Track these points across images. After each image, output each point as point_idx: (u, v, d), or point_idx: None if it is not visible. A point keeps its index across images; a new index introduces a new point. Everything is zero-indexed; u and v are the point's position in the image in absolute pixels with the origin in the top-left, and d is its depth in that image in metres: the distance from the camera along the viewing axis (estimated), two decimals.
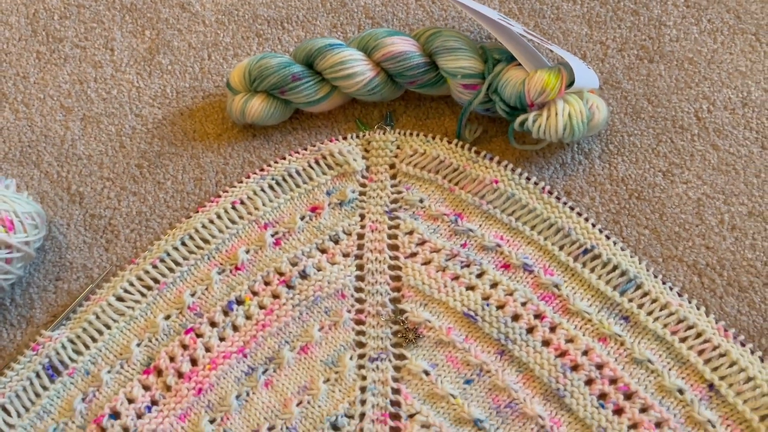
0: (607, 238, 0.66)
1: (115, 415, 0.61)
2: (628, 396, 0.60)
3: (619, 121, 0.73)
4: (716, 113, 0.73)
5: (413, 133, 0.72)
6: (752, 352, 0.61)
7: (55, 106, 0.77)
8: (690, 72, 0.75)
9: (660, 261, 0.67)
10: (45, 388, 0.62)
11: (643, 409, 0.59)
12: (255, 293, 0.66)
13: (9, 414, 0.61)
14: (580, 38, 0.78)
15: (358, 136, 0.73)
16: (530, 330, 0.63)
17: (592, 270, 0.65)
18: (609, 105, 0.73)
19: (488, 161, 0.70)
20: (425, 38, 0.71)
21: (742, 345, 0.61)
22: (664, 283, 0.64)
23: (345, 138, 0.73)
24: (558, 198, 0.68)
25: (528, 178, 0.69)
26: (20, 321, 0.67)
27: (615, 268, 0.65)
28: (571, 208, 0.68)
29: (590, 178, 0.71)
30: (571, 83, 0.67)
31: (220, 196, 0.71)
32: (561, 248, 0.66)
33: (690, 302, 0.63)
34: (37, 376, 0.62)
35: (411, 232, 0.68)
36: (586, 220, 0.67)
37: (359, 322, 0.65)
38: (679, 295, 0.64)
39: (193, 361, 0.63)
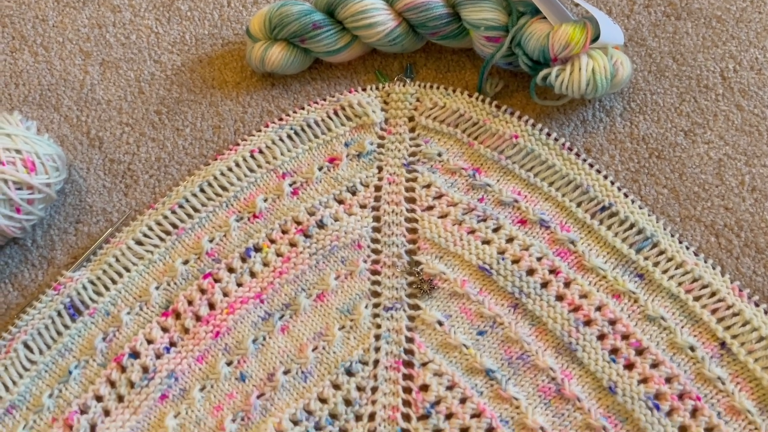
0: (626, 196, 0.66)
1: (135, 354, 0.62)
2: (640, 352, 0.60)
3: (643, 79, 0.72)
4: (742, 73, 0.72)
5: (433, 85, 0.72)
6: (766, 313, 0.61)
7: (74, 50, 0.77)
8: (717, 30, 0.74)
9: (678, 220, 0.66)
10: (66, 327, 0.64)
11: (654, 365, 0.60)
12: (272, 241, 0.66)
13: (31, 351, 0.63)
14: None
15: (377, 88, 0.73)
16: (544, 285, 0.63)
17: (609, 227, 0.65)
18: (633, 62, 0.72)
19: (509, 116, 0.70)
20: None
21: (756, 305, 0.61)
22: (680, 242, 0.64)
23: (364, 89, 0.73)
24: (577, 155, 0.68)
25: (548, 134, 0.69)
26: (41, 262, 0.68)
27: (632, 226, 0.65)
28: (591, 165, 0.68)
29: (611, 136, 0.70)
30: (596, 38, 0.66)
31: (238, 145, 0.71)
32: (578, 205, 0.66)
33: (706, 262, 0.64)
34: (59, 315, 0.64)
35: (428, 186, 0.68)
36: (605, 177, 0.67)
37: (375, 273, 0.65)
38: (696, 254, 0.64)
39: (211, 305, 0.64)
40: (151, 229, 0.67)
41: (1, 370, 0.61)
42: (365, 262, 0.65)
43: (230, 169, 0.69)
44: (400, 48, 0.72)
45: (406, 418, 0.60)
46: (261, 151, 0.70)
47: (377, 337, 0.63)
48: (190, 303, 0.64)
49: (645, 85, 0.72)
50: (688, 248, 0.64)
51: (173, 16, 0.78)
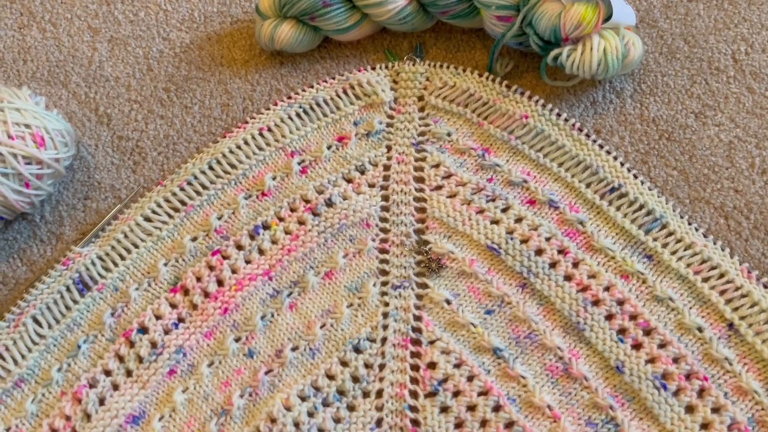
0: (635, 177, 0.66)
1: (143, 330, 0.62)
2: (647, 332, 0.60)
3: (654, 60, 0.72)
4: (754, 56, 0.71)
5: (443, 65, 0.72)
6: None
7: (82, 27, 0.77)
8: (729, 12, 0.73)
9: (687, 202, 0.66)
10: (75, 301, 0.64)
11: (662, 345, 0.60)
12: (281, 219, 0.66)
13: (40, 325, 0.63)
14: None
15: (387, 67, 0.73)
16: (553, 265, 0.63)
17: (618, 208, 0.65)
18: (644, 44, 0.72)
19: (519, 96, 0.69)
20: None
21: (765, 287, 0.61)
22: (690, 223, 0.64)
23: (374, 68, 0.73)
24: (587, 135, 0.68)
25: (558, 115, 0.68)
26: (50, 237, 0.68)
27: (641, 207, 0.65)
28: (600, 146, 0.67)
29: (621, 118, 0.70)
30: (607, 18, 0.65)
31: (247, 123, 0.71)
32: (588, 186, 0.66)
33: (715, 243, 0.63)
34: (68, 290, 0.64)
35: (437, 165, 0.68)
36: (615, 158, 0.67)
37: (383, 251, 0.65)
38: (705, 236, 0.64)
39: (220, 282, 0.64)
40: (159, 205, 0.67)
41: (10, 343, 0.62)
42: (374, 240, 0.65)
43: (239, 147, 0.69)
44: (410, 27, 0.72)
45: (414, 395, 0.60)
46: (270, 130, 0.70)
47: (385, 315, 0.63)
48: (198, 279, 0.64)
49: (656, 67, 0.72)
50: (697, 230, 0.64)
51: None
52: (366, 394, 0.60)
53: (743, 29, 0.73)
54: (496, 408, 0.59)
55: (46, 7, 0.78)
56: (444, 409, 0.59)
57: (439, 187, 0.67)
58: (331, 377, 0.60)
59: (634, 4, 0.74)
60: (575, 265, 0.63)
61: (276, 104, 0.71)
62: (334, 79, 0.72)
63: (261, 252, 0.65)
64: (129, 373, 0.61)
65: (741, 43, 0.72)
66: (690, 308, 0.61)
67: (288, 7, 0.70)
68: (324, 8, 0.70)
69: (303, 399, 0.60)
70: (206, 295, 0.63)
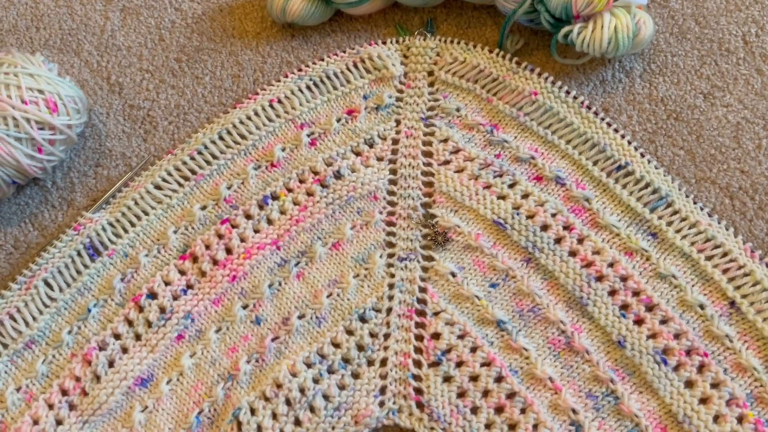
0: (642, 156, 0.66)
1: (152, 295, 0.63)
2: (650, 308, 0.61)
3: (664, 40, 0.72)
4: (764, 38, 0.72)
5: (454, 40, 0.72)
6: None
7: None
8: None
9: (693, 182, 0.67)
10: (86, 266, 0.65)
11: (663, 321, 0.60)
12: (290, 190, 0.67)
13: (51, 288, 0.64)
14: None
15: (397, 42, 0.73)
16: (558, 240, 0.64)
17: (624, 186, 0.66)
18: (655, 23, 0.72)
19: (528, 73, 0.70)
20: None
21: None
22: (695, 203, 0.65)
23: (384, 42, 0.73)
24: (596, 113, 0.68)
25: (567, 92, 0.69)
26: (61, 203, 0.69)
27: (647, 185, 0.65)
28: (608, 125, 0.68)
29: (629, 97, 0.70)
30: None
31: (257, 94, 0.71)
32: (595, 163, 0.67)
33: (719, 223, 0.64)
34: (79, 254, 0.65)
35: (446, 140, 0.68)
36: (623, 137, 0.67)
37: (390, 224, 0.66)
38: (709, 215, 0.64)
39: (228, 250, 0.65)
40: (170, 174, 0.68)
41: (21, 305, 0.63)
42: (381, 213, 0.66)
43: (249, 118, 0.70)
44: (421, 2, 0.72)
45: (417, 364, 0.61)
46: (280, 101, 0.71)
47: (391, 286, 0.64)
48: (207, 247, 0.65)
49: (666, 47, 0.72)
50: (702, 209, 0.64)
51: None
52: (370, 363, 0.61)
53: (754, 11, 0.73)
54: (499, 379, 0.60)
55: None
56: (447, 379, 0.60)
57: (446, 162, 0.68)
58: (336, 345, 0.61)
59: None
60: (580, 241, 0.64)
61: (286, 76, 0.72)
62: (344, 52, 0.73)
63: (269, 222, 0.66)
64: (138, 337, 0.62)
65: (752, 25, 0.72)
66: (692, 286, 0.62)
67: None
68: None
69: (309, 366, 0.61)
70: (215, 262, 0.64)
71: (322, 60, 0.72)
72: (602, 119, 0.68)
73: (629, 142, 0.67)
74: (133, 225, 0.66)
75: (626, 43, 0.66)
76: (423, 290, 0.63)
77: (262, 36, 0.75)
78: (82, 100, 0.68)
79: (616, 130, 0.68)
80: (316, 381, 0.60)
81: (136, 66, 0.74)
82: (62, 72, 0.74)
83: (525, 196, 0.66)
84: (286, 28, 0.75)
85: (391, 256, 0.65)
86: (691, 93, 0.70)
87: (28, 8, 0.77)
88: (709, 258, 0.63)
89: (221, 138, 0.69)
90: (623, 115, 0.69)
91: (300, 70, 0.72)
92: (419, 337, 0.62)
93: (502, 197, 0.66)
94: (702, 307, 0.61)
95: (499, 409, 0.59)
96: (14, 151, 0.63)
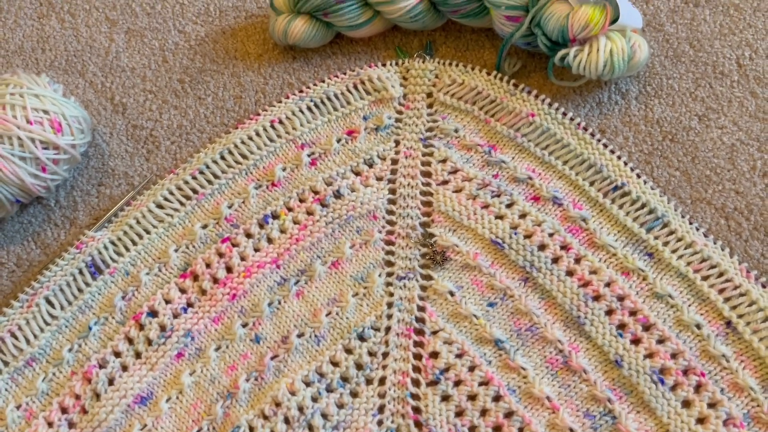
0: (638, 176, 0.67)
1: (153, 313, 0.64)
2: (647, 328, 0.61)
3: (659, 63, 0.73)
4: (758, 61, 0.73)
5: (452, 63, 0.73)
6: None
7: (100, 18, 0.79)
8: (735, 18, 0.75)
9: (688, 202, 0.68)
10: (87, 284, 0.65)
11: (660, 341, 0.61)
12: (290, 209, 0.68)
13: (53, 306, 0.64)
14: None
15: (397, 64, 0.74)
16: (555, 260, 0.64)
17: (621, 206, 0.66)
18: (650, 47, 0.73)
19: (526, 94, 0.71)
20: None
21: (763, 286, 0.62)
22: (690, 223, 0.65)
23: (384, 65, 0.74)
24: (592, 135, 0.69)
25: (564, 114, 0.70)
26: (64, 222, 0.70)
27: (643, 206, 0.66)
28: (605, 146, 0.69)
29: (625, 118, 0.71)
30: (614, 20, 0.67)
31: (259, 115, 0.72)
32: (591, 184, 0.67)
33: (715, 243, 0.65)
34: (80, 272, 0.65)
35: (444, 160, 0.69)
36: (619, 158, 0.68)
37: (389, 243, 0.67)
38: (705, 235, 0.65)
39: (228, 269, 0.65)
40: (171, 193, 0.69)
41: (23, 323, 0.63)
42: (380, 232, 0.67)
43: (250, 138, 0.71)
44: (420, 25, 0.73)
45: (416, 383, 0.61)
46: (281, 122, 0.72)
47: (390, 305, 0.64)
48: (208, 266, 0.65)
49: (661, 70, 0.73)
50: (698, 229, 0.65)
51: None
52: (369, 381, 0.61)
53: (748, 35, 0.74)
54: (497, 398, 0.60)
55: None
56: (445, 398, 0.60)
57: (445, 182, 0.68)
58: (335, 364, 0.62)
59: (641, 7, 0.76)
60: (577, 260, 0.64)
61: (288, 97, 0.73)
62: (345, 74, 0.74)
63: (270, 240, 0.67)
64: (138, 355, 0.62)
65: (745, 49, 0.73)
66: (689, 305, 0.62)
67: (302, 3, 0.72)
68: (337, 5, 0.71)
69: (307, 384, 0.61)
70: (215, 281, 0.65)
71: (323, 81, 0.74)
72: (599, 140, 0.69)
73: (625, 163, 0.68)
74: (134, 243, 0.67)
75: (622, 66, 0.67)
76: (422, 309, 0.64)
77: (264, 58, 0.76)
78: (86, 121, 0.69)
79: (612, 151, 0.68)
80: (314, 399, 0.60)
81: (140, 87, 0.75)
82: (67, 92, 0.75)
83: (523, 215, 0.66)
84: (287, 50, 0.76)
85: (390, 275, 0.65)
86: (686, 115, 0.71)
87: (35, 30, 0.78)
88: (705, 278, 0.63)
89: (223, 158, 0.70)
90: (619, 137, 0.70)
91: (301, 91, 0.73)
92: (418, 356, 0.62)
93: (500, 217, 0.66)
94: (699, 326, 0.61)
95: (497, 429, 0.59)
96: (18, 170, 0.64)
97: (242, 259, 0.66)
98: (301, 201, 0.68)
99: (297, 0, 0.72)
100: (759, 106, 0.71)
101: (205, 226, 0.68)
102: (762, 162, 0.69)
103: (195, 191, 0.69)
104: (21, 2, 0.80)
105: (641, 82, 0.72)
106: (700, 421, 0.58)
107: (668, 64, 0.73)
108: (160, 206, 0.68)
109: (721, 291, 0.62)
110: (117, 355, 0.63)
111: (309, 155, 0.70)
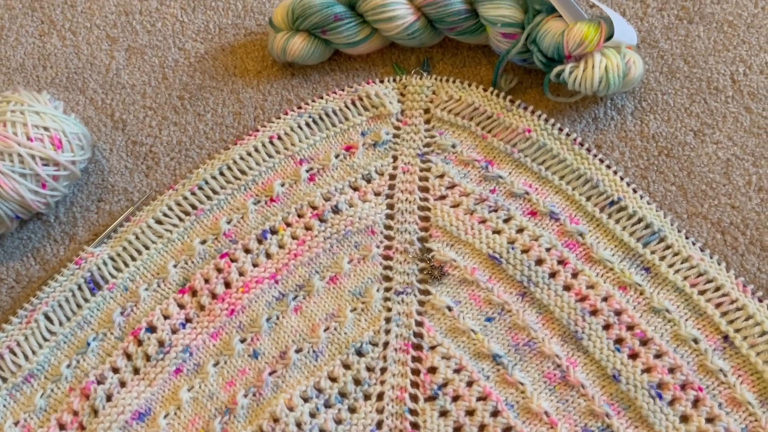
0: (634, 191, 0.68)
1: (152, 329, 0.64)
2: (644, 342, 0.62)
3: (654, 79, 0.74)
4: (752, 77, 0.74)
5: (449, 79, 0.74)
6: None
7: (101, 36, 0.79)
8: (729, 35, 0.76)
9: (685, 217, 0.68)
10: (86, 300, 0.65)
11: (658, 355, 0.61)
12: (288, 224, 0.68)
13: (51, 322, 0.64)
14: None
15: (394, 80, 0.75)
16: (553, 275, 0.65)
17: (617, 221, 0.67)
18: (645, 63, 0.74)
19: (522, 110, 0.71)
20: None
21: (760, 301, 0.63)
22: (687, 238, 0.66)
23: (382, 81, 0.75)
24: (588, 150, 0.70)
25: (560, 129, 0.70)
26: (63, 237, 0.70)
27: (640, 220, 0.66)
28: (601, 161, 0.69)
29: (621, 134, 0.72)
30: (609, 37, 0.67)
31: (258, 131, 0.73)
32: (588, 199, 0.68)
33: (711, 257, 0.65)
34: (79, 288, 0.66)
35: (442, 176, 0.70)
36: (615, 173, 0.69)
37: (387, 258, 0.67)
38: (702, 250, 0.65)
39: (227, 284, 0.66)
40: (170, 209, 0.69)
41: (21, 339, 0.63)
42: (378, 247, 0.67)
43: (249, 154, 0.71)
44: (418, 42, 0.74)
45: (414, 398, 0.61)
46: (280, 138, 0.72)
47: (388, 320, 0.64)
48: (206, 281, 0.66)
49: (656, 86, 0.74)
50: (694, 243, 0.65)
51: (198, 5, 0.81)
52: (367, 397, 0.61)
53: (742, 51, 0.75)
54: (495, 413, 0.60)
55: (66, 16, 0.80)
56: (443, 413, 0.60)
57: (443, 197, 0.69)
58: (333, 379, 0.62)
59: (635, 25, 0.76)
60: (574, 275, 0.64)
61: (286, 113, 0.74)
62: (343, 90, 0.74)
63: (268, 256, 0.67)
64: (136, 371, 0.62)
65: (739, 65, 0.74)
66: (686, 320, 0.62)
67: (300, 20, 0.73)
68: (335, 22, 0.72)
69: (305, 400, 0.61)
70: (213, 296, 0.65)
71: (321, 98, 0.74)
72: (595, 155, 0.69)
73: (622, 178, 0.68)
74: (133, 259, 0.67)
75: (617, 82, 0.68)
76: (419, 324, 0.64)
77: (262, 74, 0.77)
78: (86, 137, 0.69)
79: (608, 166, 0.69)
80: (312, 415, 0.60)
81: (140, 103, 0.76)
82: (68, 109, 0.75)
83: (520, 230, 0.67)
84: (286, 67, 0.77)
85: (388, 290, 0.66)
86: (681, 130, 0.72)
87: (36, 48, 0.79)
88: (702, 292, 0.63)
89: (222, 173, 0.71)
90: (615, 152, 0.71)
91: (300, 107, 0.74)
92: (416, 371, 0.62)
93: (497, 232, 0.67)
94: (696, 341, 0.61)
95: None
96: (18, 186, 0.64)
97: (241, 274, 0.66)
98: (299, 216, 0.68)
99: (296, 18, 0.73)
100: (753, 121, 0.72)
101: (203, 242, 0.68)
102: (757, 177, 0.69)
103: (194, 207, 0.69)
104: (23, 20, 0.80)
105: (636, 98, 0.73)
106: None
107: (663, 80, 0.74)
108: (159, 222, 0.69)
109: (718, 305, 0.63)
110: (115, 371, 0.63)
111: (307, 171, 0.71)
